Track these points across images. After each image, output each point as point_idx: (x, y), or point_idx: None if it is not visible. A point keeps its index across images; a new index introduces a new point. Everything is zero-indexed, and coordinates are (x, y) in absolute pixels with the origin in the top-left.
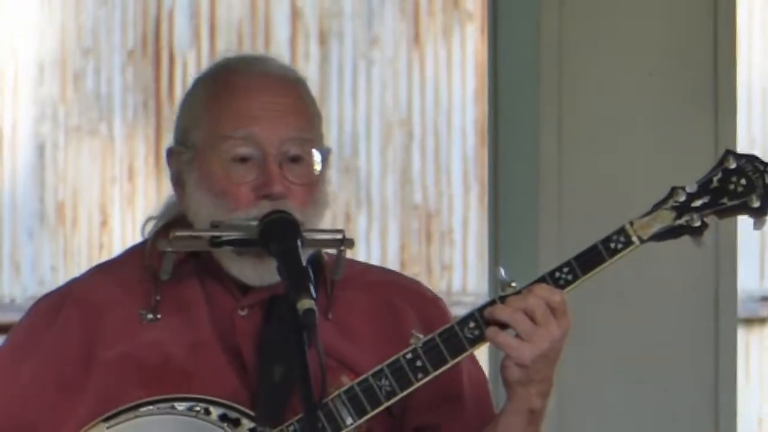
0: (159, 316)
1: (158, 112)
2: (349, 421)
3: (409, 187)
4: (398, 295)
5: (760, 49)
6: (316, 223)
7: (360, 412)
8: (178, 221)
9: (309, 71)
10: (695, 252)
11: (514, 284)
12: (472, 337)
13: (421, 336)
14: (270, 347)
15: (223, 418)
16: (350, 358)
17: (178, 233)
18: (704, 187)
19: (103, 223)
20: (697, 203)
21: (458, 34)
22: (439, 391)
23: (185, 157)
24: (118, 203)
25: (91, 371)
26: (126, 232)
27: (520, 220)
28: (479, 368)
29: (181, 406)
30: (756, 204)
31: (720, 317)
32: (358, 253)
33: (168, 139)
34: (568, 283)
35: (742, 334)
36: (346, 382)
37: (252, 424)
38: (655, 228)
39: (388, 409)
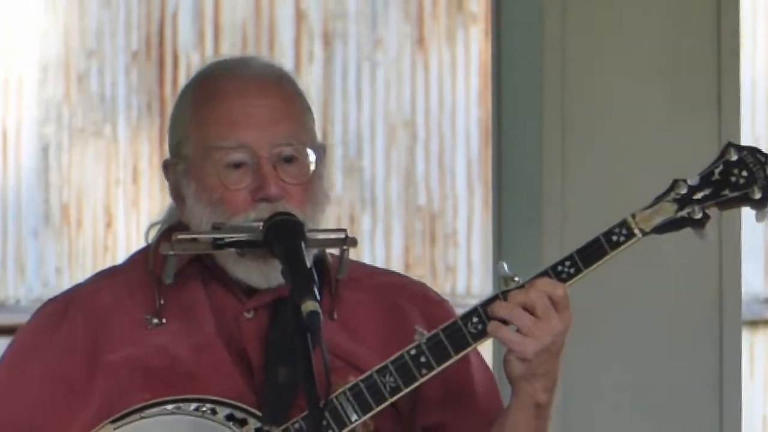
0: (164, 320)
1: (162, 114)
2: (354, 417)
3: (413, 188)
4: (404, 297)
5: (764, 48)
6: (318, 220)
7: (365, 408)
8: (181, 225)
9: (313, 73)
10: (700, 254)
11: (516, 278)
12: (476, 332)
13: (425, 332)
14: (276, 349)
15: (229, 417)
16: (356, 357)
17: (180, 236)
18: (706, 179)
19: (108, 225)
20: (699, 195)
21: (462, 36)
22: (450, 388)
23: (180, 168)
24: (122, 205)
25: (97, 375)
26: (131, 233)
27: (524, 221)
28: (485, 364)
29: (187, 407)
30: (757, 195)
31: (724, 319)
32: (363, 255)
33: None
34: (570, 276)
35: (746, 335)
36: (353, 381)
37: (258, 424)
38: (657, 220)
39: (395, 406)
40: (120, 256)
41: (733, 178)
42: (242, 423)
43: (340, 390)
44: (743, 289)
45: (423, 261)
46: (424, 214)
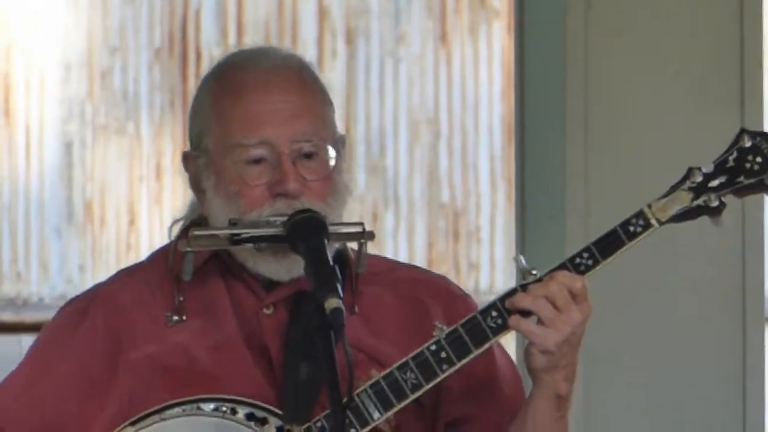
0: (184, 317)
1: (185, 111)
2: (376, 415)
3: (436, 185)
4: (425, 292)
5: None
6: (340, 213)
7: (387, 405)
8: (203, 220)
9: (336, 69)
10: (722, 248)
11: (534, 272)
12: (495, 326)
13: (444, 327)
14: (297, 345)
15: (249, 417)
16: (378, 351)
17: (197, 232)
18: (720, 166)
19: (131, 222)
20: (714, 183)
21: (485, 31)
22: (474, 381)
23: (201, 162)
24: (145, 202)
25: (117, 374)
26: (154, 230)
27: (547, 217)
28: (509, 357)
29: (207, 407)
30: None
31: (747, 313)
32: (386, 252)
33: None
34: (588, 268)
35: None
36: (375, 375)
37: (279, 423)
38: (674, 210)
39: (417, 401)
40: (143, 253)
41: (748, 165)
42: (263, 422)
43: (361, 388)
44: (766, 284)
45: (446, 258)
46: (447, 211)
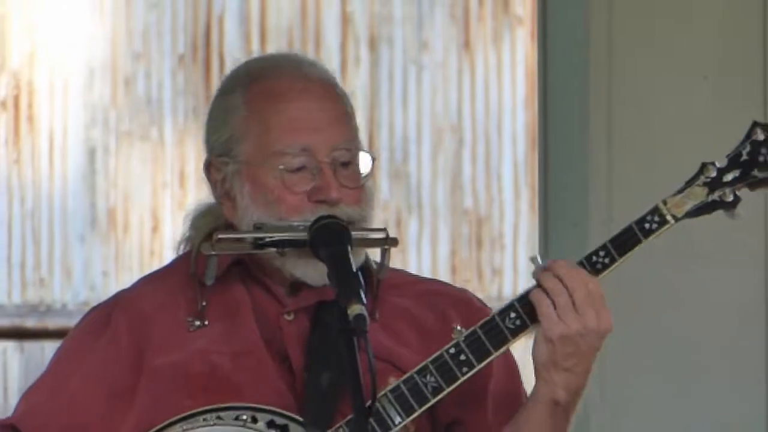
0: (206, 322)
1: None
2: (397, 420)
3: (460, 192)
4: (446, 303)
5: None
6: (371, 218)
7: (408, 410)
8: (228, 226)
9: (359, 76)
10: (745, 246)
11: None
12: (513, 327)
13: (463, 330)
14: (318, 352)
15: (270, 424)
16: (397, 357)
17: (222, 236)
18: (734, 160)
19: (155, 229)
20: (728, 177)
21: (508, 39)
22: (465, 386)
23: (230, 169)
24: (169, 208)
25: (140, 380)
26: (177, 237)
27: (571, 225)
28: (511, 364)
29: (227, 416)
30: None
31: None
32: (409, 259)
33: None
34: (605, 266)
35: None
36: (393, 382)
37: (300, 429)
38: (689, 205)
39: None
40: (166, 260)
41: (762, 158)
42: (283, 429)
43: (382, 393)
44: None
45: (469, 264)
46: (470, 218)
